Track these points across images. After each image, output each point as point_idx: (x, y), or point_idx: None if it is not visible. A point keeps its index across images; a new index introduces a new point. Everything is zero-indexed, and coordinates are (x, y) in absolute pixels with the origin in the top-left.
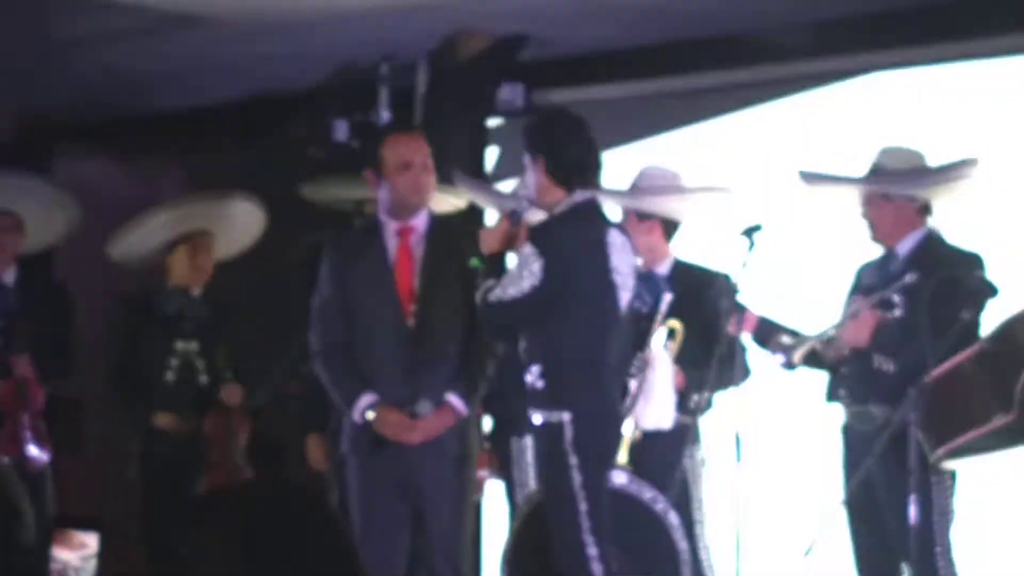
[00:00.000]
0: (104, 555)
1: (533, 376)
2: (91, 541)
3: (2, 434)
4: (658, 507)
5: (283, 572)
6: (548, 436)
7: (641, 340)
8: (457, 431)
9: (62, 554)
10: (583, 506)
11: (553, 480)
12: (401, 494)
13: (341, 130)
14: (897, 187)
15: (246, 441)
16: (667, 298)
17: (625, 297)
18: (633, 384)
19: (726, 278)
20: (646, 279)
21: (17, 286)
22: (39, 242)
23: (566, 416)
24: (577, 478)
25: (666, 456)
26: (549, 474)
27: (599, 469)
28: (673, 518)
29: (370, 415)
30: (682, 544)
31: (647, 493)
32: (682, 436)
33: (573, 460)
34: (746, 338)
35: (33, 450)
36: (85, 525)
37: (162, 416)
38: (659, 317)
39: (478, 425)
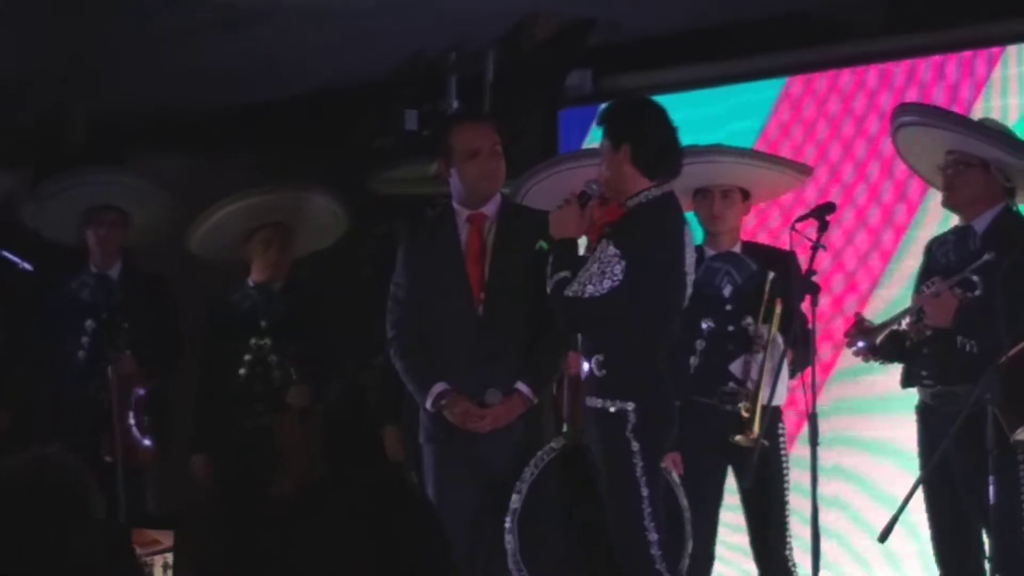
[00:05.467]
0: (178, 552)
1: (594, 365)
2: (163, 538)
3: (107, 435)
4: (674, 486)
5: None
6: (609, 424)
7: (739, 317)
8: (527, 419)
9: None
10: (644, 491)
11: (615, 467)
12: (475, 482)
13: (411, 120)
14: (1001, 150)
15: (316, 442)
16: (771, 276)
17: (688, 292)
18: (758, 361)
19: (793, 256)
20: (730, 259)
21: (121, 281)
22: (142, 238)
23: (629, 405)
24: (639, 464)
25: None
26: (611, 461)
27: (659, 456)
28: (684, 500)
29: (442, 404)
30: (688, 527)
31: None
32: (777, 414)
33: (635, 447)
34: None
35: (145, 442)
36: (158, 522)
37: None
38: (766, 295)
39: (550, 412)
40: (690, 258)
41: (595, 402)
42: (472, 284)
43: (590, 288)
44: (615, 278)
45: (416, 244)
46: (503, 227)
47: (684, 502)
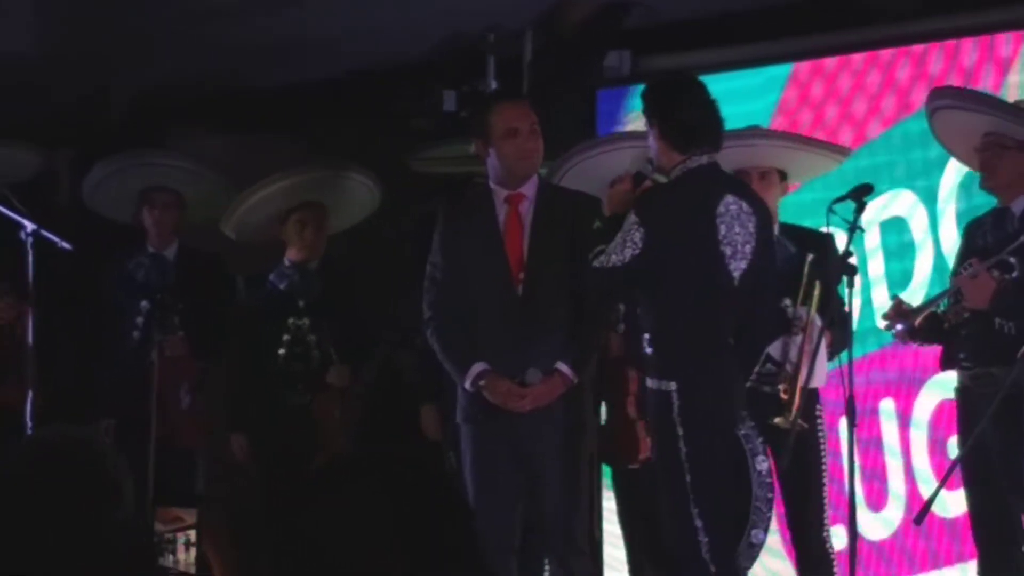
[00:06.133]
0: (201, 529)
1: (645, 343)
2: (185, 515)
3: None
4: (748, 445)
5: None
6: (658, 404)
7: (777, 299)
8: (568, 400)
9: (156, 527)
10: (688, 477)
11: (662, 449)
12: (514, 463)
13: (449, 100)
14: None
15: (355, 422)
16: (810, 258)
17: (739, 267)
18: (797, 343)
19: (832, 238)
20: None
21: (177, 262)
22: (194, 219)
23: (673, 386)
24: (683, 449)
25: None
26: (658, 442)
27: (708, 440)
28: (761, 463)
29: (481, 384)
30: (759, 491)
31: (741, 429)
32: (815, 395)
33: (680, 431)
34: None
35: (195, 423)
36: (181, 500)
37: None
38: (804, 277)
39: (590, 393)
40: (735, 234)
41: (648, 381)
42: (511, 264)
43: (615, 257)
44: (636, 246)
45: (453, 224)
46: (541, 207)
47: (758, 491)
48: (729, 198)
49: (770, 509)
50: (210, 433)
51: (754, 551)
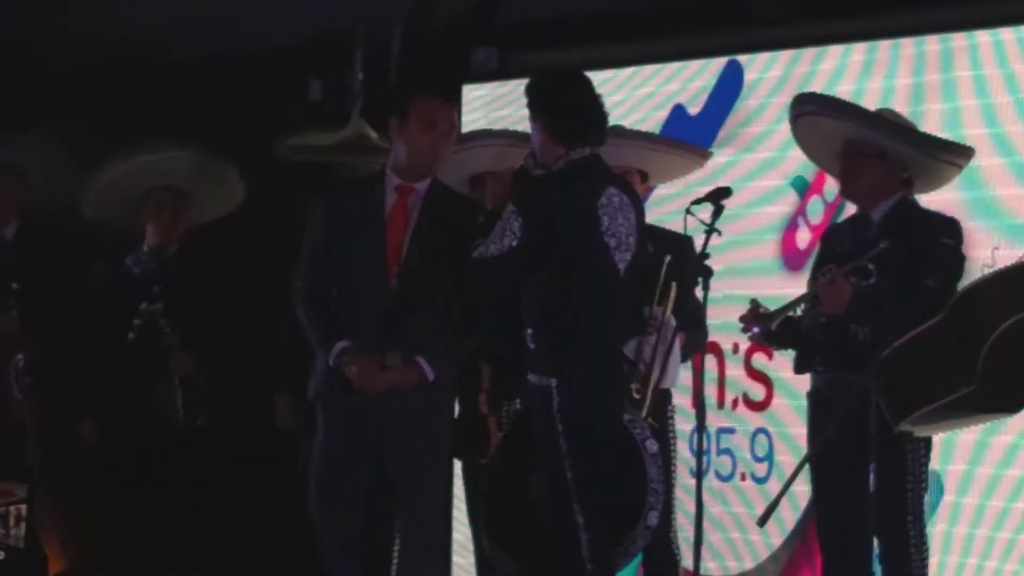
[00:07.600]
0: (33, 504)
1: (528, 338)
2: (16, 489)
3: None
4: (635, 431)
5: None
6: (539, 400)
7: (642, 300)
8: (427, 393)
9: None
10: (569, 474)
11: (542, 445)
12: (363, 445)
13: (315, 90)
14: (898, 140)
15: (204, 407)
16: (667, 259)
17: (624, 259)
18: (651, 343)
19: (691, 240)
20: None
21: (16, 241)
22: (51, 200)
23: (553, 382)
24: (563, 446)
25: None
26: (539, 439)
27: (589, 437)
28: (652, 446)
29: (343, 360)
30: (653, 473)
31: (626, 416)
32: (667, 395)
33: (560, 427)
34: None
35: (23, 402)
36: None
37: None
38: (661, 278)
39: (451, 390)
40: (619, 226)
41: (530, 376)
42: (389, 253)
43: (494, 247)
44: (514, 235)
45: (339, 202)
46: (428, 205)
47: (652, 474)
48: (611, 190)
49: (666, 490)
50: (44, 414)
51: (648, 533)
